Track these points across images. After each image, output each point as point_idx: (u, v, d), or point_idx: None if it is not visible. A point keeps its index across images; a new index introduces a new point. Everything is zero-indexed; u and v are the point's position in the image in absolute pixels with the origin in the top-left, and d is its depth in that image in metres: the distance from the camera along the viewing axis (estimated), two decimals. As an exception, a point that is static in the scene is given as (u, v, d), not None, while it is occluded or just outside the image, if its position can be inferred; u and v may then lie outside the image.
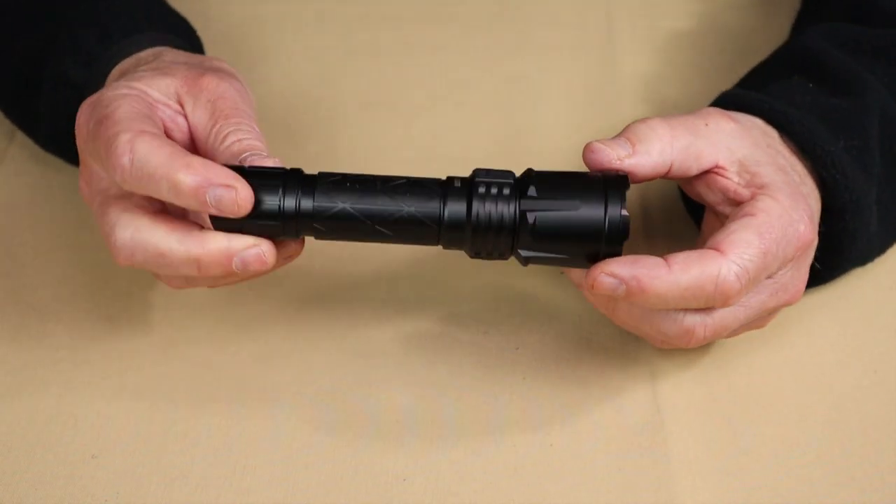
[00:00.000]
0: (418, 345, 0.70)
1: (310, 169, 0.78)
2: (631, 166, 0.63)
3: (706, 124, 0.65)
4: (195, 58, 0.71)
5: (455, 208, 0.62)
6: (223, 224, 0.62)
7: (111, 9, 0.74)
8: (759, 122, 0.68)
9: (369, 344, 0.71)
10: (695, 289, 0.61)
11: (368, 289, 0.73)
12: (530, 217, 0.61)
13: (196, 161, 0.61)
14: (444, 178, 0.63)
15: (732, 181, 0.64)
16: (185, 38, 0.77)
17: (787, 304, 0.66)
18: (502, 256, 0.63)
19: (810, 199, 0.66)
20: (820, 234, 0.67)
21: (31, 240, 0.76)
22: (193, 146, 0.67)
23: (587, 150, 0.63)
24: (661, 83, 0.87)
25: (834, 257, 0.69)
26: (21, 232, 0.77)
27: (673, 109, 0.84)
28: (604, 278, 0.61)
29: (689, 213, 0.75)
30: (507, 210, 0.61)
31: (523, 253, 0.62)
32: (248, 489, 0.64)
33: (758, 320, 0.66)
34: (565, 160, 0.81)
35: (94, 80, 0.72)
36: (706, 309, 0.63)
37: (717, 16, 0.92)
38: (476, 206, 0.61)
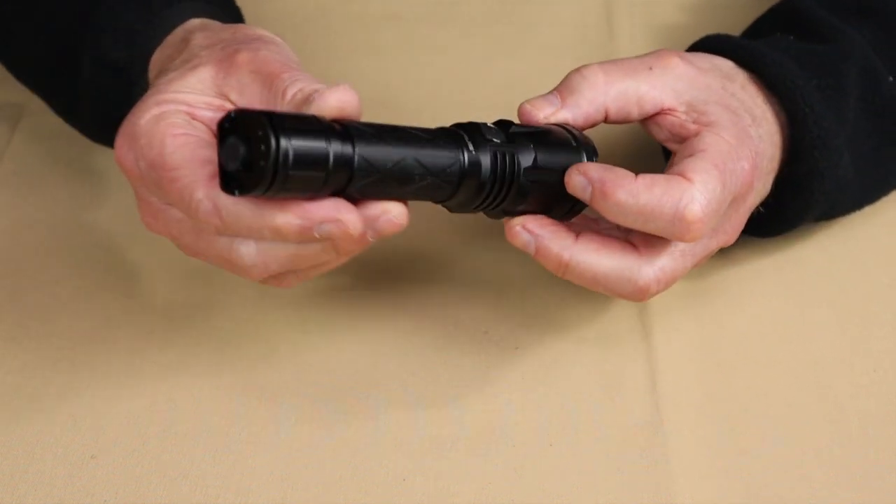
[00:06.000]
0: (418, 345, 0.70)
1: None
2: (560, 121, 0.65)
3: (650, 68, 0.66)
4: (227, 31, 0.66)
5: (474, 154, 0.62)
6: None
7: None
8: (725, 64, 0.68)
9: (369, 344, 0.71)
10: (653, 207, 0.60)
11: (368, 289, 0.73)
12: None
13: (290, 202, 0.56)
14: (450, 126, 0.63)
15: (679, 118, 0.65)
16: (219, 5, 0.72)
17: (724, 245, 0.66)
18: (509, 190, 0.62)
19: (762, 143, 0.66)
20: (787, 175, 0.67)
21: (31, 240, 0.76)
22: None
23: (520, 114, 0.65)
24: (661, 83, 0.87)
25: (801, 199, 0.69)
26: (21, 232, 0.77)
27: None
28: (575, 177, 0.62)
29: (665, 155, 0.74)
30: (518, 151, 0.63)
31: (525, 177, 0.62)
32: (248, 489, 0.64)
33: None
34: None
35: (138, 62, 0.68)
36: (659, 264, 0.63)
37: (718, 16, 0.92)
38: (490, 149, 0.62)
